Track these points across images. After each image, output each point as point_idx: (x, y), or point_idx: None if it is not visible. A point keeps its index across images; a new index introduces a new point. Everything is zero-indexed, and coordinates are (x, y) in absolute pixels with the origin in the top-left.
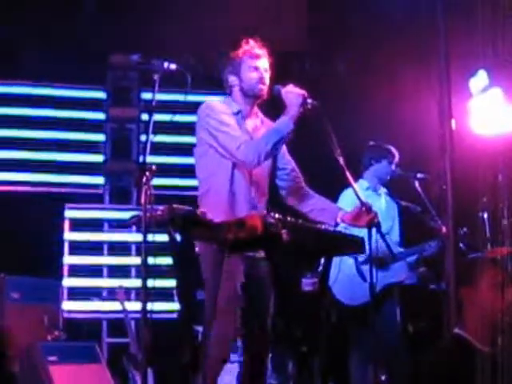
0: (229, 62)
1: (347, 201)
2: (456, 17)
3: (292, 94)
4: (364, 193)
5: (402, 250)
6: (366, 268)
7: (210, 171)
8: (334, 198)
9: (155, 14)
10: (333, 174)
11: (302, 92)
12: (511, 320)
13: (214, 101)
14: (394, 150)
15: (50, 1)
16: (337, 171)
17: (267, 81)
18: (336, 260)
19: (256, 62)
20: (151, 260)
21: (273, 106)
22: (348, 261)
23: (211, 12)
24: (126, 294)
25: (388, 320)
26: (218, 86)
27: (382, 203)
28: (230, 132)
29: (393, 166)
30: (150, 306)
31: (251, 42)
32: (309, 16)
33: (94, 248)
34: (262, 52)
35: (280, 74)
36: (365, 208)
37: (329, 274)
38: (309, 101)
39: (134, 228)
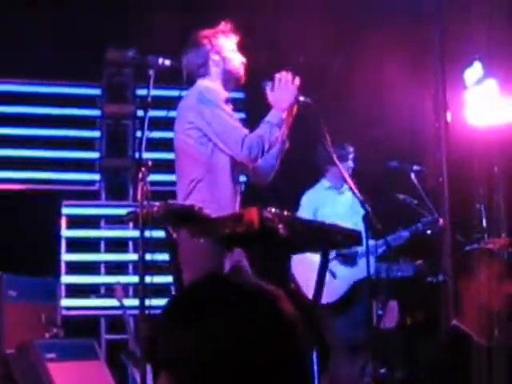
0: (209, 41)
1: (308, 204)
2: (451, 8)
3: (283, 86)
4: (325, 192)
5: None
6: (333, 264)
7: (209, 155)
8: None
9: (153, 9)
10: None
11: (295, 88)
12: (508, 312)
13: (210, 86)
14: (347, 146)
15: None
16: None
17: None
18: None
19: (234, 46)
20: (148, 256)
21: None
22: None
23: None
24: (124, 290)
25: (359, 320)
26: None
27: (345, 200)
28: (232, 124)
29: (350, 162)
30: (147, 302)
31: (227, 23)
32: None
33: (91, 245)
34: (235, 37)
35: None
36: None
37: (326, 268)
38: (301, 98)
39: (130, 224)
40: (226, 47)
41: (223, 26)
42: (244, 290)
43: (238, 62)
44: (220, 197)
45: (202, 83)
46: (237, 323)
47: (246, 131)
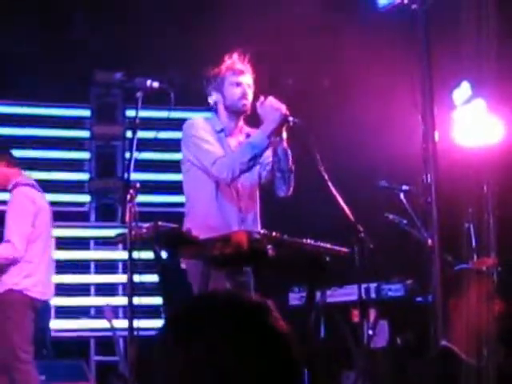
0: (212, 79)
1: None
2: (439, 27)
3: (269, 108)
4: None
5: None
6: None
7: (195, 187)
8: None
9: (142, 30)
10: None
11: (281, 107)
12: (498, 332)
13: (198, 118)
14: None
15: (34, 19)
16: (321, 187)
17: (250, 96)
18: None
19: (239, 78)
20: (137, 278)
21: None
22: None
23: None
24: (114, 311)
25: None
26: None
27: None
28: (207, 148)
29: None
30: (136, 323)
31: (234, 56)
32: None
33: (81, 266)
34: (245, 67)
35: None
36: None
37: (316, 287)
38: (290, 118)
39: (120, 246)
40: (227, 82)
41: (227, 59)
42: (233, 304)
43: (237, 95)
44: (207, 224)
45: (189, 120)
46: (228, 337)
47: (220, 154)
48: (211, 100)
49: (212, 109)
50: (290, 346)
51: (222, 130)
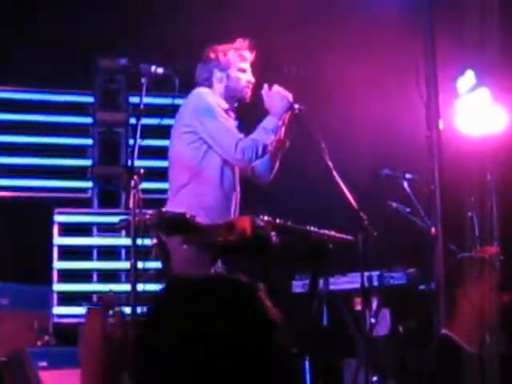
0: (217, 57)
1: None
2: (443, 16)
3: (276, 95)
4: None
5: None
6: None
7: (199, 162)
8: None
9: (143, 16)
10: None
11: (288, 95)
12: (500, 320)
13: (206, 92)
14: None
15: (36, 3)
16: (325, 175)
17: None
18: None
19: (245, 64)
20: (140, 264)
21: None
22: None
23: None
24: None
25: None
26: None
27: None
28: (227, 126)
29: None
30: (139, 309)
31: (244, 41)
32: None
33: (84, 253)
34: (250, 56)
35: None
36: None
37: (319, 275)
38: (295, 106)
39: (123, 232)
40: (233, 65)
41: (239, 42)
42: (226, 282)
43: (243, 81)
44: (207, 203)
45: (201, 90)
46: (219, 313)
47: (240, 135)
48: (209, 76)
49: (203, 84)
50: (273, 331)
51: (227, 110)
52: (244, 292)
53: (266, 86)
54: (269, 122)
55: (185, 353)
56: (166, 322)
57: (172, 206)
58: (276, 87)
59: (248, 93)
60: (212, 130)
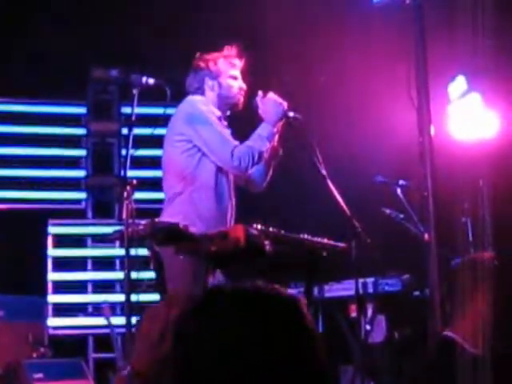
0: (207, 66)
1: None
2: (435, 22)
3: (271, 102)
4: None
5: None
6: None
7: (193, 170)
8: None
9: (136, 26)
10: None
11: (283, 102)
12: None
13: (199, 100)
14: None
15: (28, 15)
16: (319, 183)
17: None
18: None
19: (236, 71)
20: (134, 274)
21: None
22: None
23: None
24: (112, 308)
25: None
26: None
27: None
28: (223, 133)
29: None
30: (134, 320)
31: (233, 48)
32: None
33: (78, 263)
34: (240, 63)
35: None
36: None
37: (313, 283)
38: (290, 114)
39: (117, 243)
40: (224, 73)
41: (227, 50)
42: (263, 293)
43: (235, 88)
44: (202, 211)
45: (194, 97)
46: (256, 330)
47: (236, 142)
48: (200, 85)
49: (195, 93)
50: (318, 343)
51: (219, 118)
52: (289, 304)
53: (260, 92)
54: (264, 130)
55: (228, 366)
56: (209, 335)
57: (168, 215)
58: (271, 94)
59: (241, 99)
60: (207, 137)
